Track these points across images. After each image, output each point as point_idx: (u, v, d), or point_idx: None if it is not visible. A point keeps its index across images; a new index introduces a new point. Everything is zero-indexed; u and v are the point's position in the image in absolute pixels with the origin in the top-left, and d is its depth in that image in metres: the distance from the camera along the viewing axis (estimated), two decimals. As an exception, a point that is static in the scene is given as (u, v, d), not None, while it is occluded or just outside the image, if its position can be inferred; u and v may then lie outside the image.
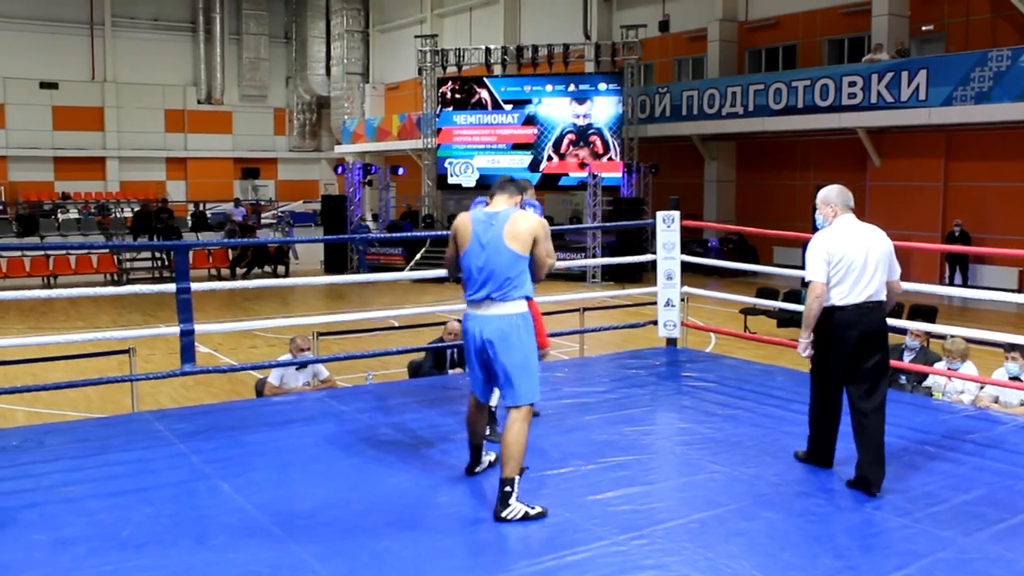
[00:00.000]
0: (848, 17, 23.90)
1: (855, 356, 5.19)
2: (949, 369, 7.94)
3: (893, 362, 8.28)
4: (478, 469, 5.32)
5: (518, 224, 4.76)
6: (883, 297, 5.25)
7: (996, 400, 7.65)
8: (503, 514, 4.61)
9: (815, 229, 5.44)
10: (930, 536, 4.51)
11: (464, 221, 4.90)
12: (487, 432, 5.55)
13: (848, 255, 5.17)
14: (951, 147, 21.13)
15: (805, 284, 7.98)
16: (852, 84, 21.30)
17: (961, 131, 20.62)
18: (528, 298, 4.87)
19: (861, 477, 5.12)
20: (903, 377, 8.39)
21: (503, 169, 27.38)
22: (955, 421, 6.61)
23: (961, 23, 21.70)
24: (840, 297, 5.19)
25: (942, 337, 8.59)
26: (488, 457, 5.37)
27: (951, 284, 19.22)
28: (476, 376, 4.98)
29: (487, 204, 5.03)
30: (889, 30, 22.07)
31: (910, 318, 12.09)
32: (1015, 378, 7.47)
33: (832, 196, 5.39)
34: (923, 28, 22.46)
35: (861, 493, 5.07)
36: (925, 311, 12.92)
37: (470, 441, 5.30)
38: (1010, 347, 7.47)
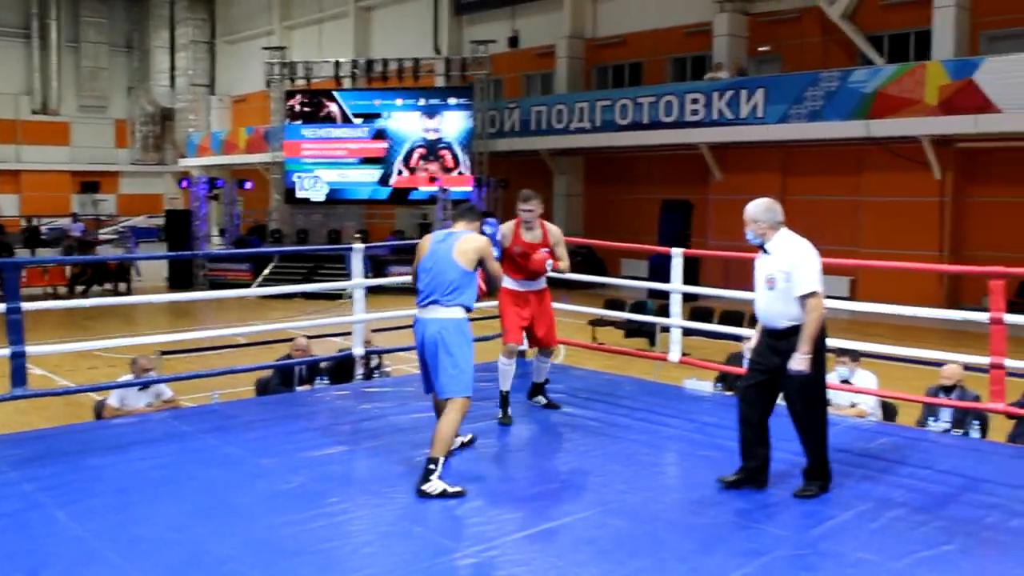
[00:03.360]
0: (690, 37, 24.70)
1: None
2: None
3: (737, 369, 8.58)
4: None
5: (465, 243, 5.50)
6: None
7: (829, 403, 7.98)
8: (424, 488, 5.12)
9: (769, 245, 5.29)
10: (768, 535, 4.69)
11: (426, 237, 5.73)
12: (499, 415, 6.82)
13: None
14: (788, 162, 22.08)
15: (678, 299, 8.15)
16: (695, 101, 22.03)
17: (797, 147, 21.57)
18: (467, 308, 5.49)
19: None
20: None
21: (353, 183, 27.18)
22: (790, 424, 6.86)
23: (796, 45, 22.73)
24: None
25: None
26: (461, 438, 5.99)
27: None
28: (423, 372, 5.58)
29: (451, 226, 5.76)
30: (729, 50, 22.95)
31: (751, 327, 12.51)
32: (845, 381, 7.83)
33: (759, 213, 5.30)
34: (760, 49, 23.42)
35: (704, 497, 5.22)
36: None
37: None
38: (840, 352, 7.82)
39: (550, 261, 6.78)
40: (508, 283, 6.86)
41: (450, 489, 5.13)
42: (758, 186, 21.97)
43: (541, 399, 7.37)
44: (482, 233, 5.77)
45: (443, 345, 5.35)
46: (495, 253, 5.93)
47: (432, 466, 5.17)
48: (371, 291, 8.92)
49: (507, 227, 6.94)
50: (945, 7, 19.49)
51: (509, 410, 6.87)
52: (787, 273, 5.18)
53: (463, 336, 5.42)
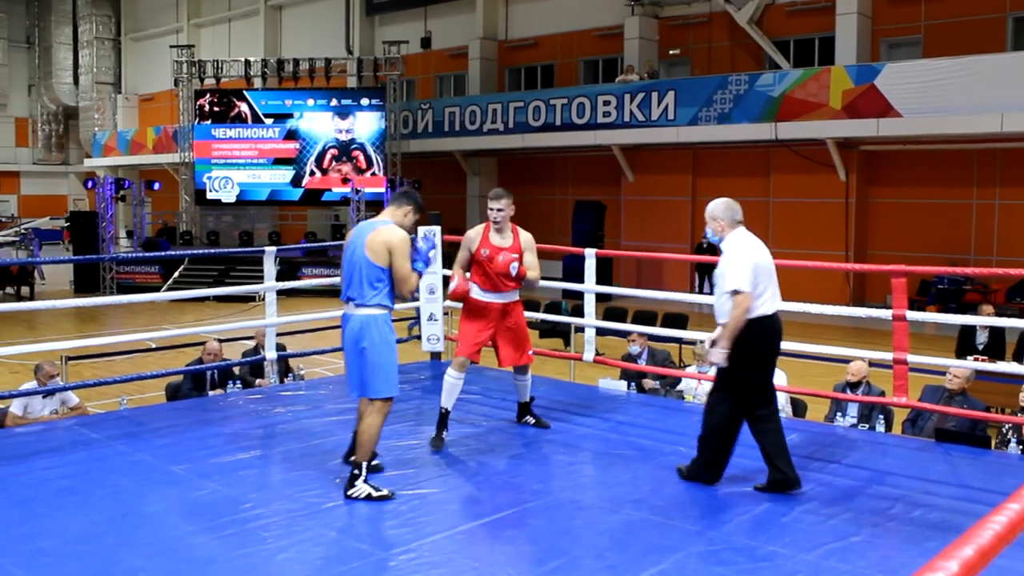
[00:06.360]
0: (602, 40, 24.93)
1: (772, 363, 5.41)
2: (700, 372, 8.38)
3: (636, 366, 8.68)
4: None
5: (377, 235, 5.11)
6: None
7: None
8: (349, 493, 5.09)
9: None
10: (683, 532, 4.75)
11: (352, 228, 5.38)
12: (433, 437, 6.28)
13: (765, 265, 5.31)
14: (697, 163, 22.42)
15: (592, 299, 8.15)
16: (607, 103, 22.24)
17: (706, 149, 21.93)
18: (385, 306, 5.17)
19: (780, 480, 5.29)
20: (657, 381, 8.78)
21: (264, 184, 26.83)
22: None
23: (704, 49, 23.10)
24: (764, 307, 5.26)
25: (693, 342, 9.07)
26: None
27: (700, 292, 20.30)
28: (348, 370, 5.34)
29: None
30: (640, 53, 23.22)
31: (663, 326, 12.70)
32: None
33: (718, 211, 5.43)
34: (671, 52, 23.75)
35: (619, 495, 5.27)
36: (677, 318, 13.61)
37: (355, 428, 5.52)
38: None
39: (515, 264, 6.33)
40: (475, 292, 6.43)
41: (375, 493, 5.08)
42: (669, 187, 22.40)
43: (529, 419, 6.86)
44: (412, 243, 5.19)
45: (362, 344, 5.14)
46: (422, 260, 5.17)
47: (357, 471, 5.13)
48: (285, 294, 8.81)
49: (475, 231, 6.49)
50: (847, 14, 20.03)
51: (445, 433, 6.32)
52: (722, 272, 5.28)
53: (382, 335, 5.15)
